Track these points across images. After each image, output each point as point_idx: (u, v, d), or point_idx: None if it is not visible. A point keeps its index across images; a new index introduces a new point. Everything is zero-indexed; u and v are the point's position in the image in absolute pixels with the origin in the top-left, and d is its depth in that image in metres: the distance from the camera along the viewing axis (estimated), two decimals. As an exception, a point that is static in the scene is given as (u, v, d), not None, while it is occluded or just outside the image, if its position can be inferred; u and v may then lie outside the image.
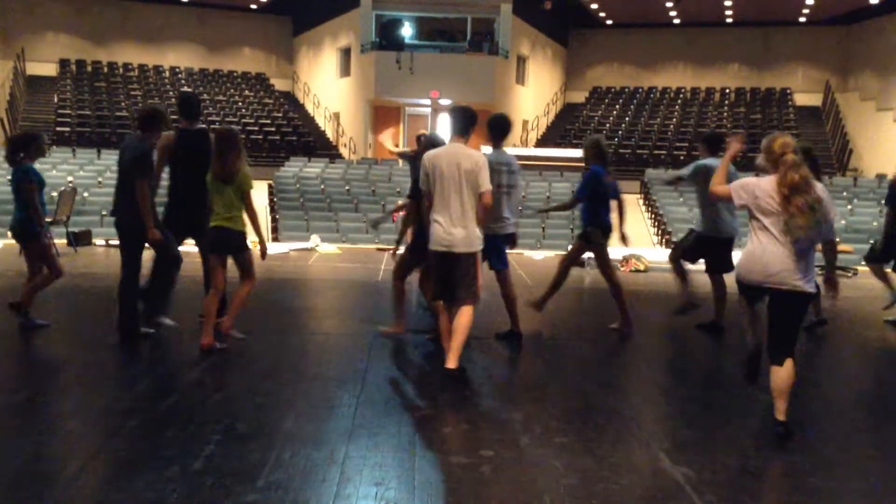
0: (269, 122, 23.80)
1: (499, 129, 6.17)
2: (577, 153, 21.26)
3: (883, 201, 7.77)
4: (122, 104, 23.50)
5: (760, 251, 4.10)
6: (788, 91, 26.68)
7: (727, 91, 27.52)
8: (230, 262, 5.66)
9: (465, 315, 5.02)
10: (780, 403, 4.07)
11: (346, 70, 25.19)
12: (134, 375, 5.07)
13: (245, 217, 5.58)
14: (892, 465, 3.93)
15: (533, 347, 6.23)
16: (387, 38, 23.03)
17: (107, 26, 26.49)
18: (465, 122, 5.24)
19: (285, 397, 4.56)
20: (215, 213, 5.53)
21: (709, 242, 6.66)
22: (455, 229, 5.01)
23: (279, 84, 27.92)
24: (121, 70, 26.28)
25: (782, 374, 4.06)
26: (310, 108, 27.03)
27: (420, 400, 4.73)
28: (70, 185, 13.80)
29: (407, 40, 23.17)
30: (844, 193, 18.27)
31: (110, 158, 18.69)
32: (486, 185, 5.04)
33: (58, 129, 21.39)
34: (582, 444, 3.95)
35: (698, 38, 27.53)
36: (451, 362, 4.92)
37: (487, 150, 6.19)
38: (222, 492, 3.18)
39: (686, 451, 3.91)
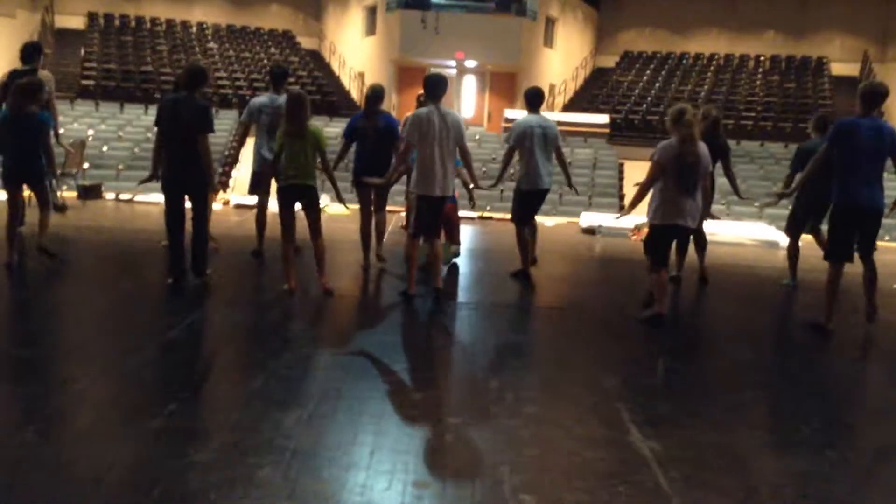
0: (293, 80, 23.65)
1: (528, 98, 7.20)
2: (603, 119, 20.99)
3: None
4: (148, 59, 23.48)
5: None
6: (825, 60, 25.91)
7: (762, 59, 26.80)
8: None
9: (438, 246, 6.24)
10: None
11: (371, 29, 24.91)
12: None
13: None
14: (867, 447, 3.82)
15: (529, 315, 6.15)
16: (413, -5, 22.71)
17: (136, -21, 26.45)
18: (442, 88, 6.04)
19: (258, 360, 4.54)
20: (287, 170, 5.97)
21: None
22: (445, 177, 5.95)
23: (305, 42, 27.68)
24: (148, 25, 26.23)
25: None
26: (335, 67, 26.82)
27: (399, 364, 4.67)
28: (84, 138, 13.81)
29: (433, -1, 22.83)
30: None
31: (132, 113, 18.77)
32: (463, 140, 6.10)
33: (83, 82, 21.46)
34: (553, 415, 3.89)
35: (734, 3, 26.78)
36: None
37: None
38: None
39: (658, 425, 3.81)
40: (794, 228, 7.58)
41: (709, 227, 7.72)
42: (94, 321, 5.33)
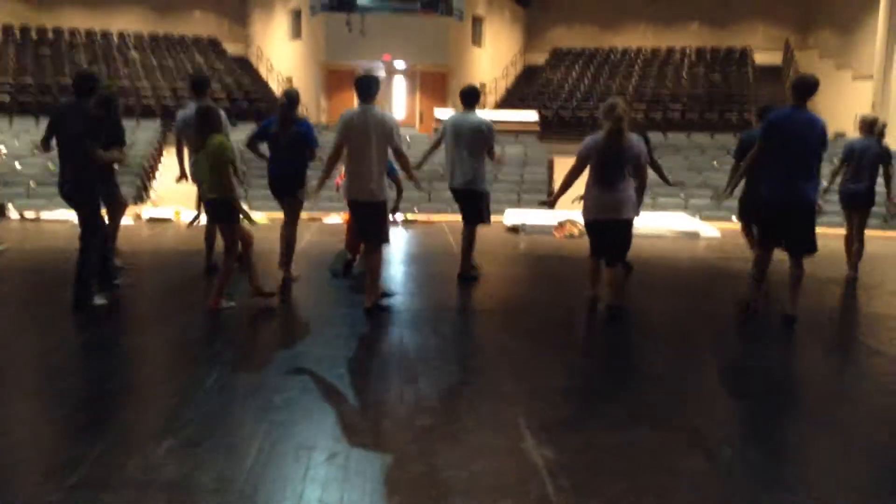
0: (218, 86, 23.16)
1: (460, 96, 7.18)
2: (532, 116, 20.99)
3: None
4: (67, 71, 22.74)
5: None
6: (748, 50, 26.39)
7: (687, 51, 27.19)
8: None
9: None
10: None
11: (297, 33, 24.54)
12: None
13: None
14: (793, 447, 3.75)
15: (443, 319, 5.99)
16: (336, -2, 22.41)
17: (51, -11, 25.60)
18: (373, 88, 5.81)
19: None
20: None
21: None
22: (375, 181, 5.70)
23: (232, 48, 27.15)
24: (67, 36, 25.43)
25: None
26: (263, 72, 26.37)
27: (295, 381, 4.44)
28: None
29: (358, 1, 22.55)
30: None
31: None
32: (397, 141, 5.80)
33: (-4, 97, 20.69)
34: (447, 426, 3.73)
35: (659, -4, 27.14)
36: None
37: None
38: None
39: (554, 430, 3.69)
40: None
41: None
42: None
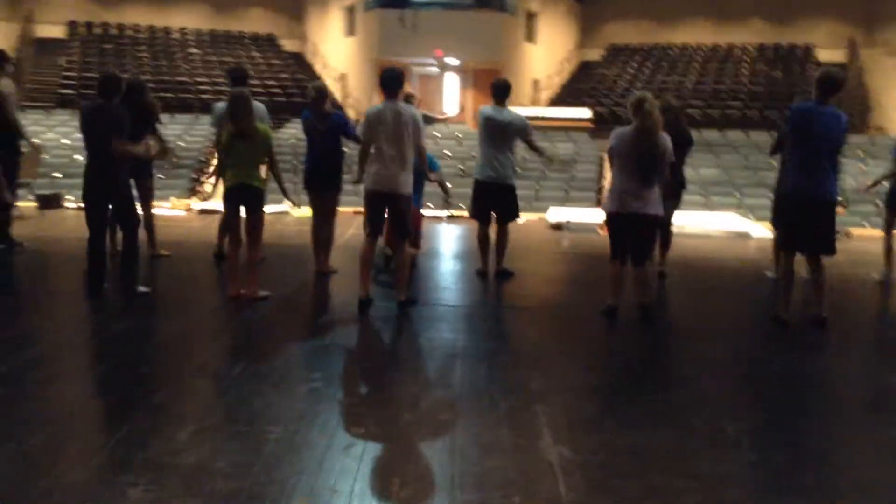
0: (275, 83, 23.52)
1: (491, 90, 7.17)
2: (585, 113, 20.81)
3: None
4: (128, 66, 23.36)
5: None
6: (811, 47, 25.70)
7: (748, 48, 26.60)
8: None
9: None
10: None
11: (351, 29, 24.76)
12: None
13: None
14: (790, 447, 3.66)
15: (478, 316, 5.99)
16: (390, -7, 22.54)
17: (117, -14, 26.32)
18: (395, 83, 5.77)
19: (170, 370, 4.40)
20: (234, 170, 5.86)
21: None
22: (396, 175, 5.68)
23: (289, 45, 27.53)
24: (129, 32, 26.13)
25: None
26: (318, 69, 26.67)
27: (319, 371, 4.49)
28: (41, 146, 13.63)
29: (411, -4, 22.65)
30: (860, 153, 17.58)
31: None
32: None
33: (61, 91, 21.35)
34: (466, 421, 3.73)
35: (719, -9, 26.61)
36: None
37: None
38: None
39: (573, 428, 3.67)
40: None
41: (677, 219, 7.58)
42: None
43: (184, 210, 11.68)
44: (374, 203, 5.82)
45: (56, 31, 25.15)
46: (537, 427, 3.66)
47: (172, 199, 12.57)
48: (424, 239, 8.95)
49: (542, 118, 20.27)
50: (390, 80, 5.73)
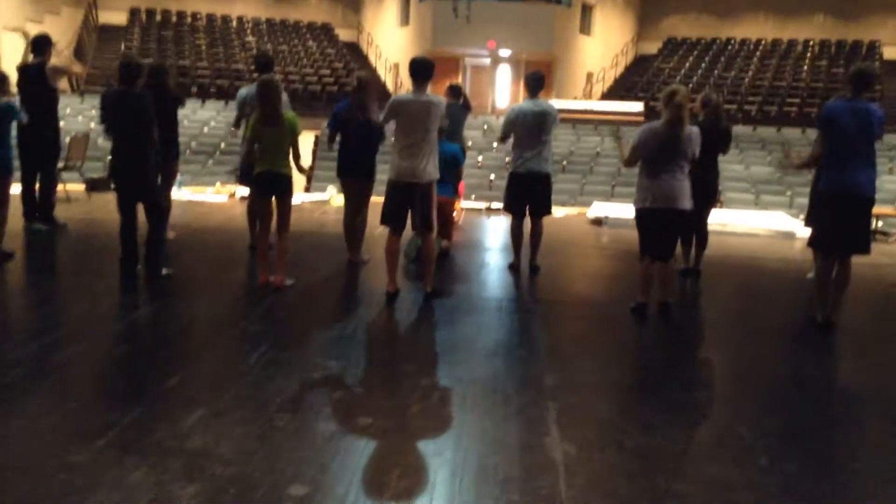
0: (328, 72, 23.71)
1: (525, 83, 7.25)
2: (637, 107, 20.49)
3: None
4: (187, 54, 23.81)
5: None
6: (876, 44, 24.87)
7: (810, 43, 25.86)
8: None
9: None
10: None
11: (405, 19, 24.79)
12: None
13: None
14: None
15: (503, 310, 5.95)
16: (445, -16, 22.47)
17: (178, -26, 26.82)
18: (424, 72, 5.74)
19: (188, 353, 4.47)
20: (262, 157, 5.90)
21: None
22: (418, 164, 5.67)
23: (344, 34, 27.73)
24: (189, 19, 26.61)
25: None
26: (372, 58, 26.80)
27: (334, 361, 4.50)
28: (88, 131, 13.96)
29: (466, -13, 22.56)
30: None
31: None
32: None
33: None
34: (474, 415, 3.71)
35: (782, -15, 25.91)
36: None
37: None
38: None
39: (582, 426, 3.62)
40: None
41: (720, 216, 7.43)
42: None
43: (227, 196, 11.83)
44: (396, 194, 5.79)
45: (118, 18, 25.74)
46: (546, 423, 3.62)
47: (218, 184, 12.75)
48: (460, 230, 8.93)
49: (592, 111, 20.05)
50: (420, 69, 5.71)
